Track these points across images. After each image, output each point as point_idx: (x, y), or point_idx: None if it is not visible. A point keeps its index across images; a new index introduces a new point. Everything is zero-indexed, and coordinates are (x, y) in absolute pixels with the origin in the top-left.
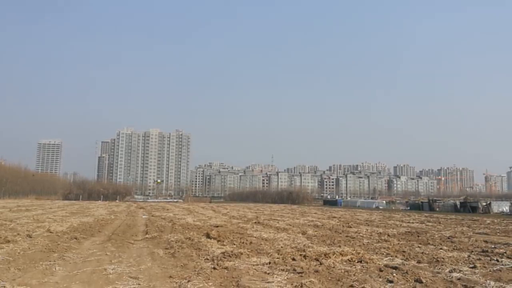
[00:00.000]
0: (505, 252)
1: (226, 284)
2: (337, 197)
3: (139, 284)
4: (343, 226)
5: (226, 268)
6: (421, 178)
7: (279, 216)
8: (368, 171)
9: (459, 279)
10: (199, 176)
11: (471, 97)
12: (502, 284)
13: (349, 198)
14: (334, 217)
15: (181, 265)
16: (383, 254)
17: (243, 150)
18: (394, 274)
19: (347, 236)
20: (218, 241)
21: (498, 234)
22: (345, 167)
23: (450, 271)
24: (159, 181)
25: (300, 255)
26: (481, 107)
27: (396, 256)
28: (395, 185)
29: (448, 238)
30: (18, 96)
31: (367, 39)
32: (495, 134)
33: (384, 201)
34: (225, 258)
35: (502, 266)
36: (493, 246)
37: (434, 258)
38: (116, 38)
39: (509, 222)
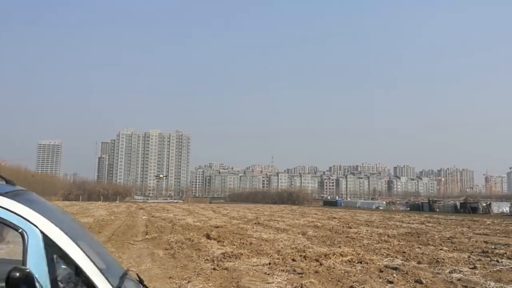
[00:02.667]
0: (505, 253)
1: (226, 285)
2: (337, 197)
3: None
4: (343, 226)
5: (226, 268)
6: (421, 178)
7: (279, 216)
8: (368, 171)
9: (459, 279)
10: (199, 176)
11: (471, 97)
12: (502, 285)
13: (349, 199)
14: (334, 217)
15: (181, 266)
16: (383, 254)
17: (243, 151)
18: (394, 275)
19: (347, 237)
20: (218, 241)
21: (498, 234)
22: (345, 167)
23: (450, 272)
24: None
25: (300, 255)
26: (481, 107)
27: (396, 257)
28: (395, 186)
29: (448, 239)
30: (18, 97)
31: (367, 39)
32: (495, 134)
33: (384, 202)
34: (225, 258)
35: (502, 267)
36: (493, 247)
37: (434, 258)
38: (116, 38)
39: (509, 223)
